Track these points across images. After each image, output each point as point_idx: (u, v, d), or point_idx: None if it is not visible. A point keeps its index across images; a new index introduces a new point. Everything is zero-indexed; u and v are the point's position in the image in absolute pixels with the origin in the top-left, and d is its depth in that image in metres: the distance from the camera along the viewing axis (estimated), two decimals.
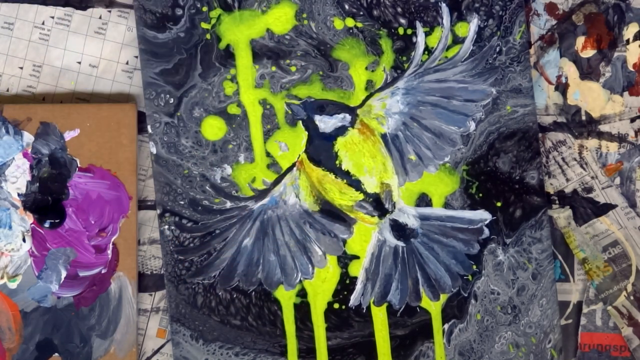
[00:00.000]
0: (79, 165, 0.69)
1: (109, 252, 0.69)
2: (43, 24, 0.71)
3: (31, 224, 0.69)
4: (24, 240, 0.69)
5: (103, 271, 0.69)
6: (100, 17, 0.72)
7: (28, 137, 0.69)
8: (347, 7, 0.70)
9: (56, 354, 0.69)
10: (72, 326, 0.69)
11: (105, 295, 0.69)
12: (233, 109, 0.70)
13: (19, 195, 0.69)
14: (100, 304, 0.69)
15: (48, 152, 0.69)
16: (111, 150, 0.69)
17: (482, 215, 0.70)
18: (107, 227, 0.69)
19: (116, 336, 0.69)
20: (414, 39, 0.70)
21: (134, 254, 0.70)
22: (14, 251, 0.69)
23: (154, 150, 0.69)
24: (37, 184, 0.69)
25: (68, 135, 0.69)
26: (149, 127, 0.69)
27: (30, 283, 0.69)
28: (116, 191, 0.69)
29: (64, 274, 0.69)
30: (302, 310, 0.70)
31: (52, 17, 0.71)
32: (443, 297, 0.70)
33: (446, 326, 0.70)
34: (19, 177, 0.69)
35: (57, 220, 0.69)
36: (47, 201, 0.69)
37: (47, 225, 0.69)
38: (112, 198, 0.69)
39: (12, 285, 0.69)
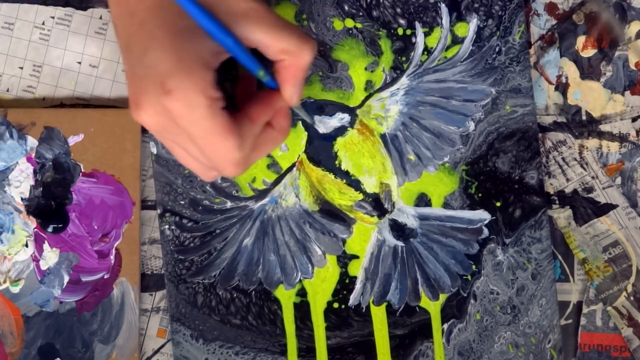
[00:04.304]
0: (82, 170, 0.69)
1: (112, 257, 0.70)
2: (43, 24, 0.71)
3: (34, 228, 0.69)
4: (26, 244, 0.70)
5: (106, 276, 0.70)
6: (100, 17, 0.71)
7: (32, 142, 0.69)
8: (346, 7, 0.69)
9: (58, 359, 0.70)
10: (74, 331, 0.70)
11: (108, 300, 0.70)
12: None
13: (22, 199, 0.69)
14: (102, 309, 0.70)
15: (52, 157, 0.69)
16: (115, 155, 0.70)
17: (482, 215, 0.70)
18: (110, 233, 0.70)
19: (118, 341, 0.70)
20: (413, 40, 0.69)
21: (136, 260, 0.70)
22: (17, 255, 0.70)
23: (154, 150, 0.70)
24: (41, 189, 0.69)
25: (72, 140, 0.70)
26: None
27: (32, 287, 0.69)
28: (119, 196, 0.70)
29: (66, 278, 0.69)
30: (302, 309, 0.71)
31: (52, 17, 0.71)
32: (442, 297, 0.71)
33: (445, 326, 0.71)
34: (23, 181, 0.69)
35: (60, 225, 0.69)
36: (50, 206, 0.69)
37: (50, 229, 0.69)
38: (115, 203, 0.70)
39: (15, 289, 0.69)
